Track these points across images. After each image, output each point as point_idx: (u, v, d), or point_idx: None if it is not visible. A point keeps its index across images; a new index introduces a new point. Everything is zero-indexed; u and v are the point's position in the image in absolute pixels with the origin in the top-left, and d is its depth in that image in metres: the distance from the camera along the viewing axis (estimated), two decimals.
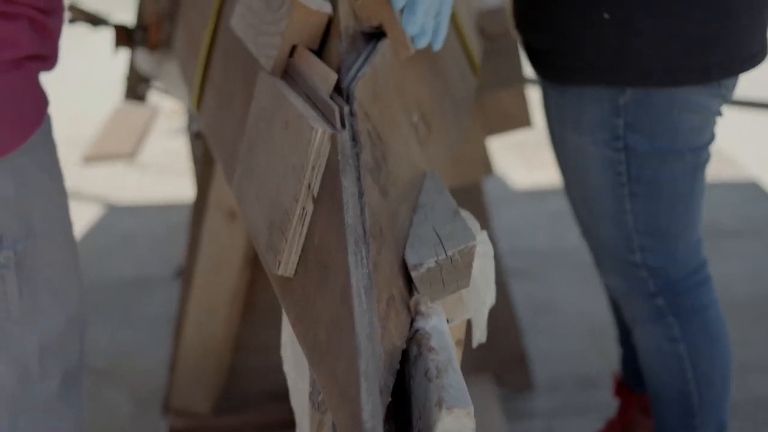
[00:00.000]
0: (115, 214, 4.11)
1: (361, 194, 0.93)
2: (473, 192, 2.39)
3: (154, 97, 4.28)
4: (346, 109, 0.99)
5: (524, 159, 4.33)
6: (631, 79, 1.54)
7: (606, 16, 1.50)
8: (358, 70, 1.07)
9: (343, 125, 0.98)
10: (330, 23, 1.17)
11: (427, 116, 1.27)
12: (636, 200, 1.65)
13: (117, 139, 4.86)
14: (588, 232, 1.79)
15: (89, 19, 2.38)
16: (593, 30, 1.53)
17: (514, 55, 2.05)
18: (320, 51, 1.18)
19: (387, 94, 1.10)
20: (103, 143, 4.82)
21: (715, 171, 4.11)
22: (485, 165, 2.17)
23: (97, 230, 3.93)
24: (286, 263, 0.98)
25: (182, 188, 4.28)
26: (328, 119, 0.99)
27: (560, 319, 2.96)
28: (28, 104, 1.27)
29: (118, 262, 3.57)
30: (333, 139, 0.95)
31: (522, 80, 2.08)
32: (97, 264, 3.56)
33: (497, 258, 2.46)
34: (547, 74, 1.67)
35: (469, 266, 0.94)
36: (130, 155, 4.70)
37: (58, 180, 1.37)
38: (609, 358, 2.67)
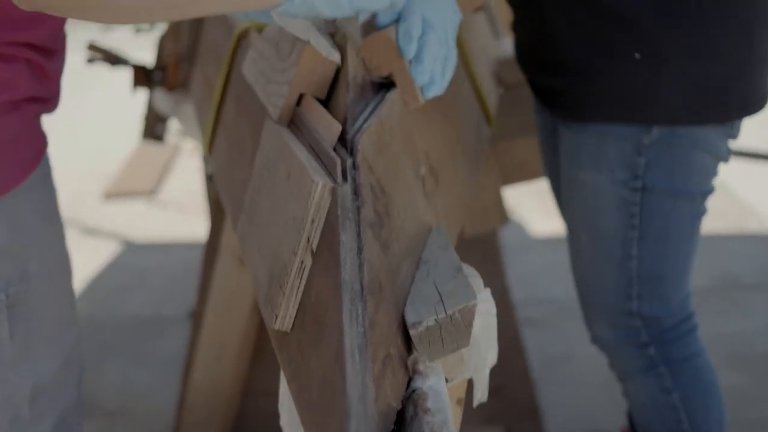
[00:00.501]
0: (133, 252, 4.11)
1: (360, 249, 0.91)
2: (488, 240, 2.37)
3: (176, 135, 4.29)
4: (348, 161, 0.98)
5: (544, 206, 4.31)
6: (659, 118, 1.56)
7: (637, 56, 1.51)
8: (364, 122, 1.06)
9: (345, 178, 0.96)
10: (339, 72, 1.16)
11: (436, 168, 1.25)
12: (643, 244, 1.65)
13: (138, 177, 4.88)
14: (586, 278, 1.77)
15: (108, 58, 2.39)
16: (623, 69, 1.54)
17: (529, 104, 2.04)
18: (328, 100, 1.18)
19: (393, 146, 1.09)
20: (124, 180, 4.85)
21: (735, 223, 4.08)
22: (500, 214, 2.16)
23: (113, 267, 3.93)
24: (282, 317, 0.96)
25: (201, 227, 4.29)
26: (330, 172, 0.98)
27: (574, 370, 2.92)
28: (25, 146, 1.26)
29: (133, 301, 3.56)
30: (333, 193, 0.94)
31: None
32: (112, 302, 3.55)
33: (512, 307, 2.44)
34: (567, 114, 1.66)
35: (470, 326, 0.92)
36: (150, 193, 4.72)
37: (56, 223, 1.36)
38: (623, 411, 2.63)
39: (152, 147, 4.62)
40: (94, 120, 6.07)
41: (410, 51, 1.17)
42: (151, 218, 4.55)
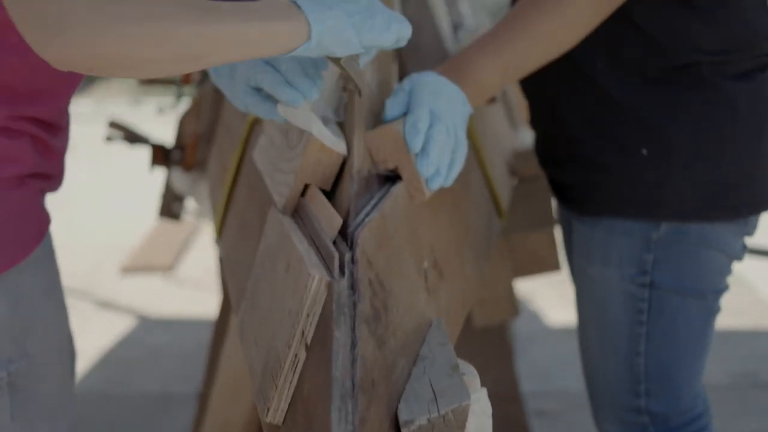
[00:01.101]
0: (147, 327, 4.10)
1: (354, 345, 0.90)
2: (498, 330, 2.35)
3: (193, 214, 4.31)
4: (347, 255, 0.98)
5: (561, 296, 4.28)
6: (667, 214, 1.55)
7: (644, 152, 1.50)
8: (367, 215, 1.06)
9: (342, 273, 0.96)
10: (345, 162, 1.17)
11: (441, 261, 1.25)
12: (651, 341, 1.63)
13: (156, 252, 4.90)
14: (594, 372, 1.75)
15: (128, 136, 2.41)
16: (631, 165, 1.54)
17: (544, 197, 2.04)
18: (334, 189, 1.18)
19: (395, 240, 1.08)
20: (142, 255, 4.86)
21: (754, 320, 4.03)
22: (511, 306, 2.14)
23: (126, 342, 3.92)
24: (275, 411, 0.95)
25: (217, 305, 4.28)
26: (328, 265, 0.98)
27: None
28: (27, 223, 1.26)
29: (143, 377, 3.55)
30: (330, 287, 0.93)
31: (552, 223, 2.06)
32: (122, 377, 3.54)
33: (521, 398, 2.41)
34: (579, 209, 1.66)
35: (462, 426, 0.91)
36: (168, 269, 4.73)
37: (57, 300, 1.35)
38: None
39: (172, 223, 4.64)
40: (116, 193, 6.12)
41: (417, 144, 1.17)
42: (168, 294, 4.55)
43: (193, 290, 4.57)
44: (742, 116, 1.50)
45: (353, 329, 0.91)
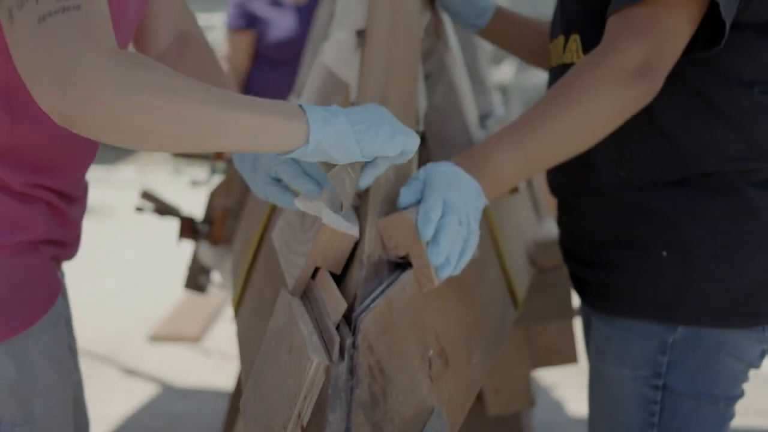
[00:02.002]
0: (169, 396, 4.11)
1: (348, 430, 0.91)
2: (513, 420, 2.34)
3: (219, 287, 4.34)
4: (349, 340, 0.99)
5: (583, 386, 4.24)
6: (684, 318, 1.54)
7: (665, 254, 1.50)
8: (373, 301, 1.08)
9: (342, 357, 0.97)
10: (357, 246, 1.19)
11: (447, 350, 1.26)
12: None
13: (184, 322, 4.92)
14: None
15: (159, 208, 2.45)
16: (651, 267, 1.53)
17: (564, 289, 2.05)
18: (345, 272, 1.20)
19: (400, 327, 1.10)
20: (170, 324, 4.89)
21: None
22: (527, 396, 2.14)
23: (146, 410, 3.92)
24: None
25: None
26: (329, 350, 0.99)
27: None
28: (38, 289, 1.29)
29: None
30: (328, 371, 0.95)
31: (570, 315, 2.06)
32: None
33: None
34: (597, 305, 1.66)
35: None
36: (195, 339, 4.75)
37: (63, 367, 1.37)
38: None
39: (199, 295, 4.67)
40: (149, 261, 6.18)
41: (428, 233, 1.19)
42: (194, 364, 4.57)
43: (219, 361, 4.58)
44: (764, 223, 1.50)
45: (348, 414, 0.92)
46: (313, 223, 1.23)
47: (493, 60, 2.73)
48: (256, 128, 1.05)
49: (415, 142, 1.18)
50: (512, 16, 1.88)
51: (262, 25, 3.84)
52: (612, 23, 1.39)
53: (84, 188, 1.38)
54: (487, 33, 1.88)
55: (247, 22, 3.86)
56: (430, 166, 1.28)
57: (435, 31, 1.78)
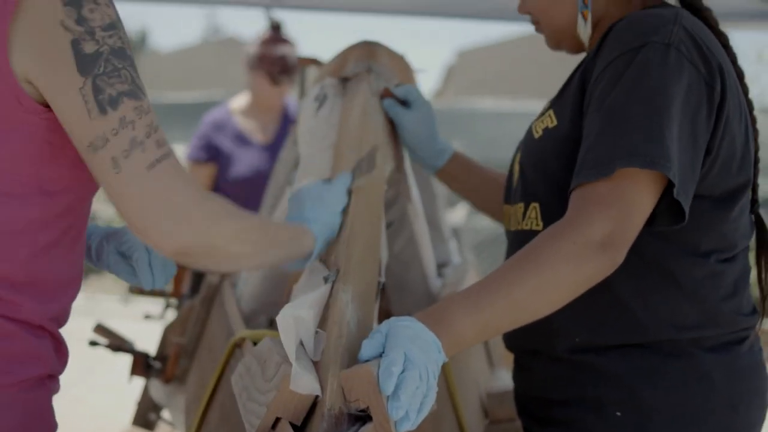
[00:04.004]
0: None
1: None
2: None
3: (171, 424, 4.27)
4: None
5: None
6: None
7: (619, 414, 1.51)
8: None
9: None
10: (317, 399, 1.19)
11: None
12: None
13: None
14: None
15: (112, 344, 2.43)
16: (605, 427, 1.53)
17: None
18: (305, 424, 1.20)
19: None
20: None
21: None
22: None
23: None
24: None
25: None
26: None
27: None
28: (45, 426, 1.28)
29: None
30: None
31: None
32: None
33: None
34: None
35: None
36: None
37: None
38: None
39: None
40: (98, 391, 6.06)
41: (389, 387, 1.20)
42: None
43: None
44: (717, 388, 1.51)
45: None
46: (275, 373, 1.24)
47: (446, 202, 2.79)
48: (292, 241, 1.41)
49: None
50: (469, 162, 1.93)
51: (224, 160, 3.88)
52: (576, 196, 1.42)
53: (68, 316, 1.39)
54: (444, 175, 1.93)
55: (209, 155, 3.90)
56: (393, 320, 1.30)
57: (396, 168, 1.82)
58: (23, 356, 1.25)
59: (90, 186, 1.30)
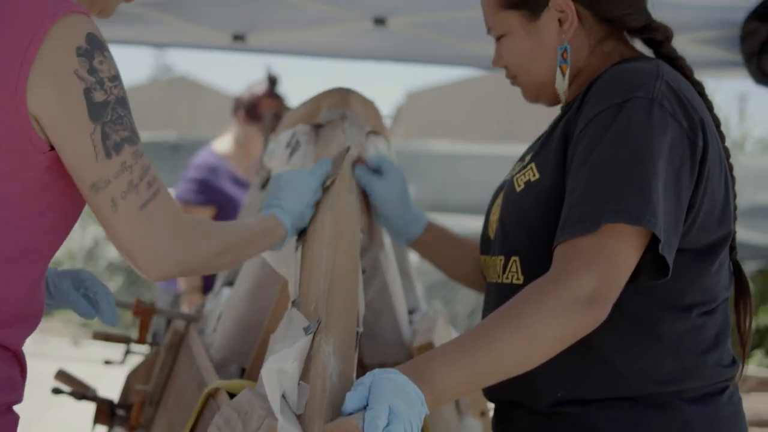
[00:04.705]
0: None
1: None
2: None
3: None
4: None
5: None
6: None
7: None
8: None
9: None
10: None
11: None
12: None
13: None
14: None
15: (77, 392, 2.39)
16: None
17: None
18: None
19: None
20: None
21: None
22: None
23: None
24: None
25: None
26: None
27: None
28: None
29: None
30: None
31: None
32: None
33: None
34: None
35: None
36: None
37: None
38: None
39: None
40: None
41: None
42: None
43: None
44: None
45: None
46: (258, 426, 1.22)
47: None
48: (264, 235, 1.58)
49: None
50: (442, 232, 1.91)
51: (225, 202, 3.86)
52: (561, 251, 1.42)
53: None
54: (417, 245, 1.91)
55: (209, 197, 3.88)
56: (377, 372, 1.29)
57: (369, 236, 1.81)
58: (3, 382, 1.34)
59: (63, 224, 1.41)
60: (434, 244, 1.90)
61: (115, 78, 1.33)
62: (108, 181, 1.30)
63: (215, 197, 3.90)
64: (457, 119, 19.30)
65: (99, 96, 1.29)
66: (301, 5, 3.55)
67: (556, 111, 1.67)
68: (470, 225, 7.02)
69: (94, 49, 1.30)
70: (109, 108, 1.30)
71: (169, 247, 1.35)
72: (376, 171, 1.86)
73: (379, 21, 3.66)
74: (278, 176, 1.70)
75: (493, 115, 16.64)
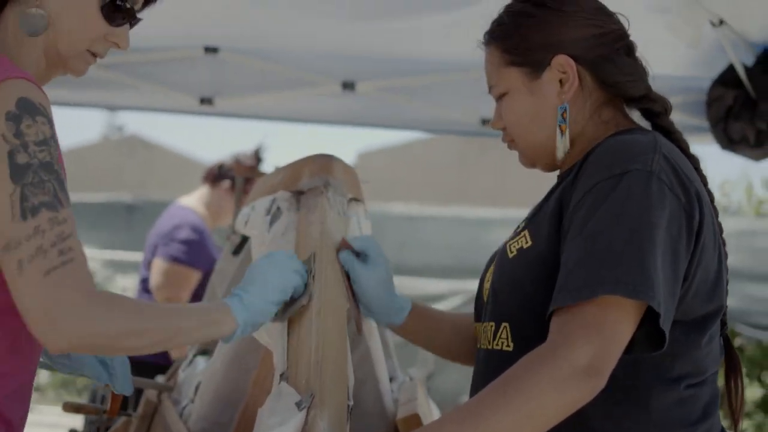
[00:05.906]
0: None
1: None
2: None
3: None
4: None
5: None
6: None
7: None
8: None
9: None
10: None
11: None
12: None
13: None
14: None
15: None
16: None
17: None
18: None
19: None
20: None
21: None
22: None
23: None
24: None
25: None
26: None
27: None
28: None
29: None
30: None
31: None
32: None
33: None
34: None
35: None
36: None
37: None
38: None
39: None
40: None
41: None
42: None
43: None
44: None
45: None
46: None
47: None
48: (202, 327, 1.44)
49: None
50: (428, 312, 1.85)
51: (212, 267, 3.84)
52: (558, 320, 1.41)
53: None
54: (401, 331, 1.82)
55: (203, 263, 3.85)
56: None
57: (356, 326, 1.74)
58: None
59: None
60: (419, 329, 1.82)
61: (44, 143, 1.34)
62: (19, 242, 1.29)
63: (205, 260, 3.87)
64: (408, 180, 19.40)
65: (22, 158, 1.31)
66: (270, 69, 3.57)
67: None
68: (429, 287, 7.05)
69: (23, 114, 1.33)
70: (30, 171, 1.31)
71: (72, 318, 1.28)
72: (360, 254, 1.75)
73: (348, 85, 3.69)
74: (255, 266, 1.59)
75: (444, 177, 16.76)
